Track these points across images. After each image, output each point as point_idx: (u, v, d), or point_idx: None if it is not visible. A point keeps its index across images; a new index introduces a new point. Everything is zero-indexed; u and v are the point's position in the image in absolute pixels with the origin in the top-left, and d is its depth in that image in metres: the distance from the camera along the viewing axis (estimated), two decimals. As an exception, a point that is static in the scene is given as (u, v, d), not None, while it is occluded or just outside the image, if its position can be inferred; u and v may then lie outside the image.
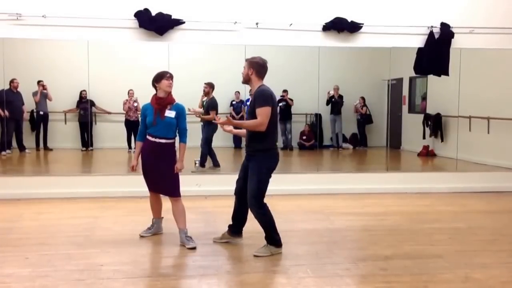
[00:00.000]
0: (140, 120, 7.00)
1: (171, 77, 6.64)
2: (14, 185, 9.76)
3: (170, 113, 6.59)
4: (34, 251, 6.32)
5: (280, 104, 15.63)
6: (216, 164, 11.53)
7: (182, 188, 9.65)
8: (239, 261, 6.05)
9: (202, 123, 11.74)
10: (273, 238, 6.31)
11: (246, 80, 6.34)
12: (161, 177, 6.66)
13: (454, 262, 6.03)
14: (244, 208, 6.52)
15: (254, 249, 6.36)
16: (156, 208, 7.08)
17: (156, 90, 6.67)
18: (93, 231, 7.29)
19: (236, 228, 6.71)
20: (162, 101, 6.60)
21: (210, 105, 11.41)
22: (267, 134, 6.17)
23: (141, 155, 6.72)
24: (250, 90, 6.61)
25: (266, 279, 5.50)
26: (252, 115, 6.18)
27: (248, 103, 6.50)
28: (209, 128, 11.43)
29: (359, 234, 7.41)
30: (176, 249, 6.50)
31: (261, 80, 6.30)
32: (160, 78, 6.61)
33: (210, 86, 11.54)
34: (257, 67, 6.27)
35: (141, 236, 6.98)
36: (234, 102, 15.03)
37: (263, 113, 6.08)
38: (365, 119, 16.34)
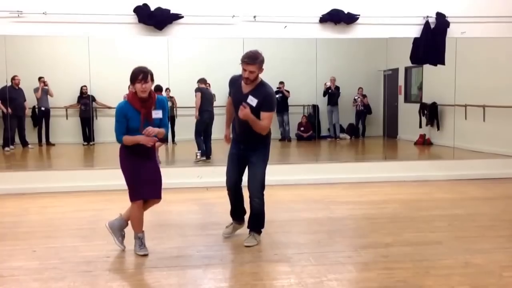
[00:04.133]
0: (117, 120, 5.76)
1: (144, 78, 5.62)
2: (18, 180, 9.85)
3: (157, 114, 5.81)
4: (41, 244, 6.41)
5: (277, 96, 15.70)
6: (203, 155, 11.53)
7: (184, 180, 9.84)
8: (242, 251, 6.11)
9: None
10: (262, 224, 6.48)
11: (253, 81, 6.04)
12: (157, 178, 6.06)
13: (454, 248, 6.12)
14: (241, 200, 6.61)
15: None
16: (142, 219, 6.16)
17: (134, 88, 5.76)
18: (98, 224, 7.30)
19: (241, 217, 6.79)
20: (149, 104, 5.75)
21: (195, 90, 11.66)
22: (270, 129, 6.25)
23: (131, 163, 5.91)
24: (241, 81, 6.12)
25: (270, 267, 5.57)
26: (258, 114, 6.04)
27: (253, 103, 6.01)
28: (197, 121, 11.51)
29: (360, 222, 7.49)
30: (180, 240, 6.57)
31: None
32: (133, 80, 5.65)
33: (199, 81, 11.71)
34: (263, 64, 6.06)
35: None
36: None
37: (270, 118, 6.13)
38: (368, 109, 16.42)
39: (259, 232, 6.49)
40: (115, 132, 5.79)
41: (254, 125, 6.04)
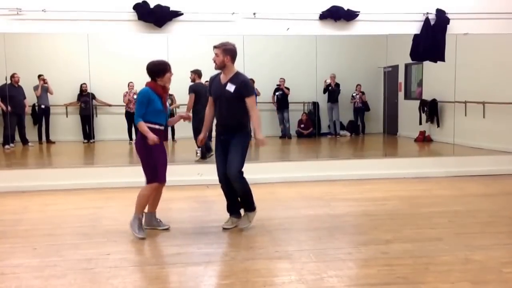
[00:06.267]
0: (140, 101, 6.45)
1: (171, 68, 6.62)
2: (19, 178, 9.84)
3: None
4: (41, 241, 6.40)
5: (277, 93, 15.77)
6: (203, 157, 11.23)
7: (184, 178, 9.83)
8: (243, 248, 6.12)
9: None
10: (251, 203, 6.82)
11: (221, 67, 6.57)
12: (166, 161, 6.79)
13: (454, 244, 6.12)
14: (235, 192, 6.79)
15: (256, 237, 6.52)
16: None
17: (155, 80, 6.52)
18: (99, 221, 7.37)
19: (238, 212, 6.95)
20: (166, 89, 6.64)
21: (189, 90, 11.43)
22: (247, 117, 6.66)
23: (156, 146, 6.43)
24: (220, 74, 6.67)
25: (271, 264, 5.57)
26: (236, 100, 6.51)
27: (231, 89, 6.53)
28: (194, 119, 11.37)
29: (360, 219, 7.50)
30: (181, 237, 6.57)
31: (234, 65, 6.65)
32: (163, 72, 6.48)
33: (195, 73, 11.52)
34: (231, 53, 6.56)
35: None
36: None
37: (255, 102, 6.65)
38: (366, 106, 16.45)
39: (253, 210, 6.85)
40: (135, 113, 6.47)
41: (259, 124, 6.70)
